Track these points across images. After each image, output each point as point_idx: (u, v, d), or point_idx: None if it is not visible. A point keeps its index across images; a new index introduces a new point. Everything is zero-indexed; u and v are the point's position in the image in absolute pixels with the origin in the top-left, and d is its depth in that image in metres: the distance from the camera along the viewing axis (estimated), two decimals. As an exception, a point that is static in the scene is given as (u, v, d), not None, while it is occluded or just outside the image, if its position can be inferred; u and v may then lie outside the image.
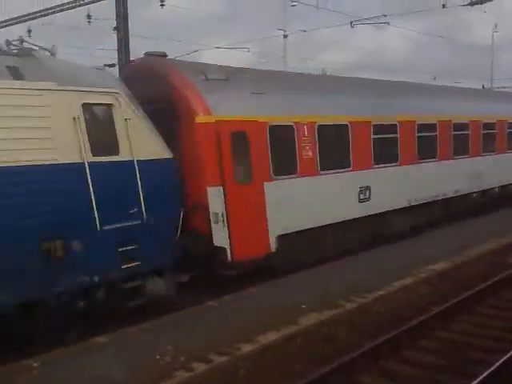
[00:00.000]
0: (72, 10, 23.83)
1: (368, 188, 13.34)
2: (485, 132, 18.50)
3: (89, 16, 24.92)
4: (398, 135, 14.50)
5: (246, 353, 7.66)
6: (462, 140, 17.27)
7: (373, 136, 13.59)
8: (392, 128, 14.32)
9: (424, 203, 15.41)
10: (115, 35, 22.22)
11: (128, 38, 22.18)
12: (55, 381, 6.95)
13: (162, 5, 25.24)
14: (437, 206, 16.19)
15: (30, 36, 24.69)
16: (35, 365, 7.32)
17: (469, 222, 17.04)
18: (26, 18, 24.07)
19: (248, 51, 31.05)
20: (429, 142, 15.68)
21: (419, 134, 15.23)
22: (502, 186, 19.85)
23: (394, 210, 14.21)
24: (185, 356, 7.46)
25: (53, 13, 23.95)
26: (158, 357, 7.47)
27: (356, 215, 13.00)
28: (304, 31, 31.30)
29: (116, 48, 22.04)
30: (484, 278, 11.15)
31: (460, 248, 13.31)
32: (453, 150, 16.74)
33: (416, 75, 48.00)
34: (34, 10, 24.04)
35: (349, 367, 7.25)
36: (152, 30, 50.32)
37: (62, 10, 23.74)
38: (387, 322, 8.97)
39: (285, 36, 35.53)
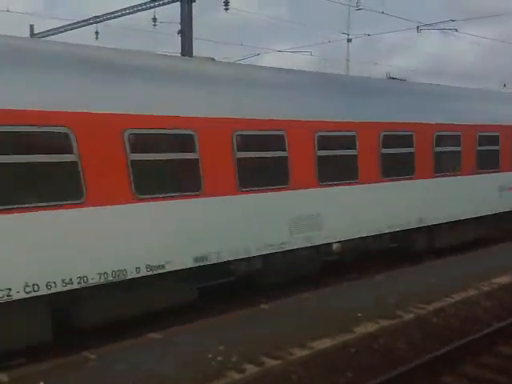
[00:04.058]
0: (138, 13, 24.49)
1: None
2: None
3: (154, 19, 25.43)
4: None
5: (298, 358, 7.55)
6: None
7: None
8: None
9: None
10: (179, 38, 22.66)
11: (192, 41, 22.56)
12: (110, 373, 7.07)
13: (226, 9, 25.54)
14: None
15: (97, 38, 25.49)
16: (92, 357, 7.49)
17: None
18: (94, 20, 24.84)
19: (310, 55, 30.98)
20: None
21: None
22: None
23: None
24: (237, 357, 7.44)
25: (120, 15, 24.65)
26: (209, 356, 7.49)
27: None
28: (368, 35, 30.90)
29: (180, 51, 22.45)
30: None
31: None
32: None
33: (484, 82, 46.59)
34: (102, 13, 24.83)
35: (401, 381, 7.02)
36: (215, 33, 51.15)
37: (128, 13, 24.40)
38: (446, 334, 8.66)
39: (348, 40, 35.14)
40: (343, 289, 10.82)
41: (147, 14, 24.64)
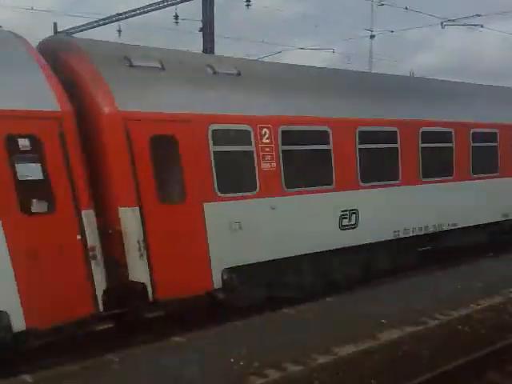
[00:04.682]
0: (160, 11, 24.54)
1: None
2: None
3: (176, 16, 25.49)
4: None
5: (321, 364, 7.49)
6: None
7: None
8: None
9: None
10: (201, 35, 22.66)
11: (213, 38, 22.55)
12: (133, 376, 7.10)
13: (248, 5, 25.49)
14: None
15: (119, 36, 25.62)
16: (115, 359, 7.52)
17: None
18: (117, 17, 24.95)
19: (333, 52, 30.64)
20: None
21: None
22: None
23: None
24: (259, 362, 7.40)
25: (142, 13, 24.73)
26: (232, 360, 7.47)
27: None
28: (392, 32, 30.53)
29: (202, 48, 22.45)
30: None
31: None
32: None
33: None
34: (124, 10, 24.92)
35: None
36: (237, 30, 51.05)
37: (150, 10, 24.47)
38: (472, 342, 8.51)
39: (371, 36, 34.77)
40: (367, 294, 10.72)
41: (169, 12, 24.73)
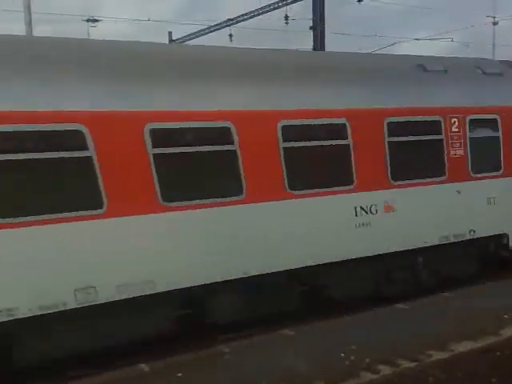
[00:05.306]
0: (270, 13, 24.91)
1: None
2: None
3: (286, 17, 25.72)
4: None
5: (437, 360, 7.17)
6: None
7: None
8: None
9: None
10: (311, 34, 22.69)
11: (324, 35, 22.48)
12: (243, 366, 7.24)
13: (360, 0, 25.21)
14: None
15: (231, 40, 26.35)
16: (226, 350, 7.71)
17: None
18: (227, 23, 25.66)
19: (452, 41, 29.30)
20: None
21: None
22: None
23: None
24: (370, 357, 7.23)
25: (252, 17, 25.26)
26: (342, 355, 7.36)
27: None
28: (519, 16, 28.63)
29: (312, 46, 22.48)
30: None
31: None
32: None
33: None
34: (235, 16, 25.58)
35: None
36: (347, 26, 50.56)
37: (260, 13, 24.93)
38: None
39: (494, 23, 32.83)
40: (488, 289, 10.15)
41: (279, 13, 25.01)
